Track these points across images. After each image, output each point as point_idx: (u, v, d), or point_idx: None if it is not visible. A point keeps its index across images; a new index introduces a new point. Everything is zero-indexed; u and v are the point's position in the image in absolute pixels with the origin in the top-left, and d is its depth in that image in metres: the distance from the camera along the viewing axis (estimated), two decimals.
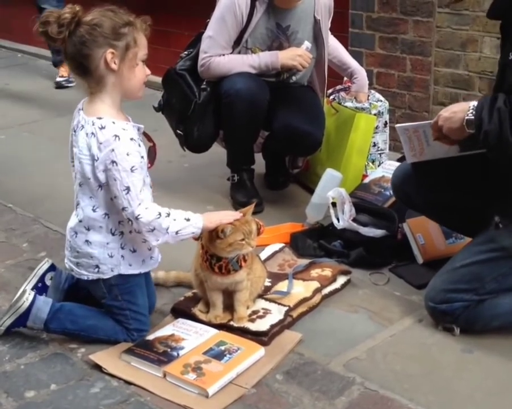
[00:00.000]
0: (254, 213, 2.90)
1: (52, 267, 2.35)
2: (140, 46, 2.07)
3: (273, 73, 3.10)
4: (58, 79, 5.25)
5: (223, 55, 3.05)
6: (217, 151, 3.34)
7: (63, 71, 5.17)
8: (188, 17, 4.68)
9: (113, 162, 2.01)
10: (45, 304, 2.18)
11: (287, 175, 3.45)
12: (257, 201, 3.08)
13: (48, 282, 2.32)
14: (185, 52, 3.22)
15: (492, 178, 2.22)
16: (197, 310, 2.32)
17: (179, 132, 3.21)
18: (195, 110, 3.09)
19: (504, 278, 2.15)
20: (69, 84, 5.14)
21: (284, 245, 2.78)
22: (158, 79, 3.26)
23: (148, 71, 2.12)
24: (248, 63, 3.04)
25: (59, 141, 3.90)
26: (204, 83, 3.11)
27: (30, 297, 2.17)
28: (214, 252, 2.19)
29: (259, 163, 3.38)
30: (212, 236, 2.16)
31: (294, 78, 3.20)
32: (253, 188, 3.21)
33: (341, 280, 2.53)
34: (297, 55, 3.02)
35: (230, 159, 3.24)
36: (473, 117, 2.04)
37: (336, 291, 2.49)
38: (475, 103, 2.07)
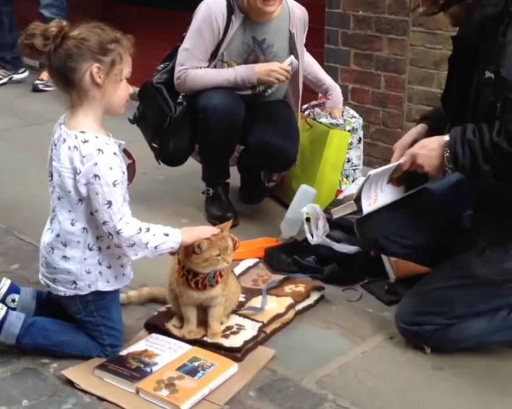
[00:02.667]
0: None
1: (14, 288, 2.30)
2: (125, 63, 2.09)
3: (248, 86, 3.12)
4: (37, 82, 5.26)
5: (200, 68, 3.06)
6: (192, 164, 3.35)
7: (44, 75, 5.18)
8: (165, 29, 4.69)
9: (95, 176, 2.02)
10: (17, 319, 2.16)
11: (262, 189, 3.47)
12: (232, 215, 3.11)
13: (11, 304, 2.25)
14: (162, 65, 3.23)
15: (478, 205, 2.24)
16: (171, 325, 2.32)
17: (154, 145, 3.21)
18: (171, 124, 3.10)
19: (474, 303, 2.18)
20: (46, 89, 5.14)
21: (258, 260, 2.80)
22: (134, 90, 3.26)
23: (131, 90, 2.14)
24: (224, 77, 3.06)
25: (33, 150, 3.91)
26: (180, 97, 3.12)
27: (2, 312, 2.15)
28: (190, 267, 2.20)
29: (234, 177, 3.40)
30: (188, 251, 2.18)
31: (269, 91, 3.22)
32: (228, 202, 3.23)
33: (314, 296, 2.55)
34: (271, 70, 3.04)
35: (205, 173, 3.25)
36: (449, 154, 2.08)
37: (309, 307, 2.51)
38: (447, 138, 2.10)
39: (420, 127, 2.43)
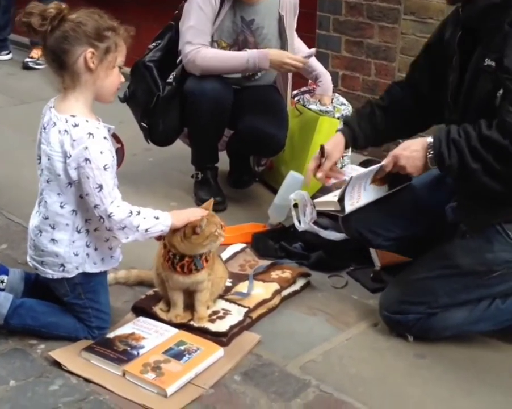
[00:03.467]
0: (217, 211, 2.96)
1: (2, 270, 2.32)
2: (120, 52, 2.10)
3: (257, 71, 3.13)
4: (27, 59, 5.23)
5: (207, 47, 3.04)
6: (182, 146, 3.36)
7: (35, 53, 5.15)
8: (157, 9, 4.67)
9: (86, 159, 2.03)
10: (5, 299, 2.18)
11: (251, 174, 3.48)
12: (219, 199, 3.13)
13: None
14: (154, 43, 3.23)
15: (459, 192, 2.28)
16: (158, 309, 2.35)
17: (143, 124, 3.22)
18: (158, 103, 3.10)
19: (456, 293, 2.22)
20: (36, 66, 5.11)
21: (245, 245, 2.82)
22: (126, 70, 3.26)
23: (123, 79, 2.16)
24: (236, 58, 3.03)
25: (23, 129, 3.90)
26: (171, 77, 3.11)
27: None
28: (185, 250, 2.21)
29: (223, 161, 3.41)
30: (186, 234, 2.19)
31: (259, 74, 3.22)
32: (216, 187, 3.24)
33: (300, 282, 2.58)
34: (283, 63, 3.02)
35: (194, 157, 3.26)
36: (433, 154, 2.10)
37: (295, 293, 2.54)
38: (430, 139, 2.12)
39: (335, 138, 2.49)
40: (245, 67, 3.05)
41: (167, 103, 3.10)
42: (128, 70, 3.16)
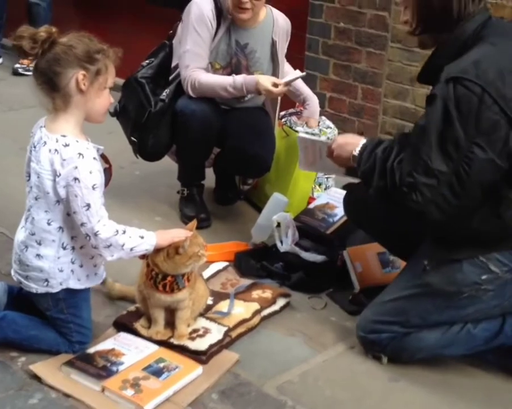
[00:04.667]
0: (201, 228, 3.02)
1: None
2: (110, 74, 2.15)
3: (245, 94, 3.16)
4: (17, 65, 5.23)
5: (204, 70, 3.08)
6: (169, 161, 3.40)
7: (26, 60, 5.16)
8: (149, 25, 4.73)
9: (75, 179, 2.07)
10: None
11: (236, 191, 3.53)
12: (204, 216, 3.18)
13: None
14: (147, 61, 3.27)
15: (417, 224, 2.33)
16: (139, 325, 2.38)
17: (133, 139, 3.25)
18: (149, 119, 3.14)
19: (427, 314, 2.27)
20: (26, 73, 5.12)
21: (228, 263, 2.86)
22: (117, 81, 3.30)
23: (112, 99, 2.21)
24: (226, 81, 3.06)
25: (10, 137, 3.90)
26: (164, 94, 3.15)
27: None
28: (168, 270, 2.25)
29: (210, 177, 3.45)
30: (169, 254, 2.24)
31: (249, 96, 3.27)
32: (202, 204, 3.29)
33: (280, 302, 2.62)
34: (270, 92, 3.03)
35: (181, 174, 3.31)
36: (357, 154, 2.28)
37: (275, 313, 2.58)
38: (364, 140, 2.30)
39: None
40: (233, 95, 3.08)
41: (158, 119, 3.14)
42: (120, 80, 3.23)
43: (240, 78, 3.03)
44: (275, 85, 3.01)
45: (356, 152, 2.29)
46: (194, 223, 2.35)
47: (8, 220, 2.85)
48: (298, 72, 3.17)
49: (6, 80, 5.20)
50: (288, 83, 3.09)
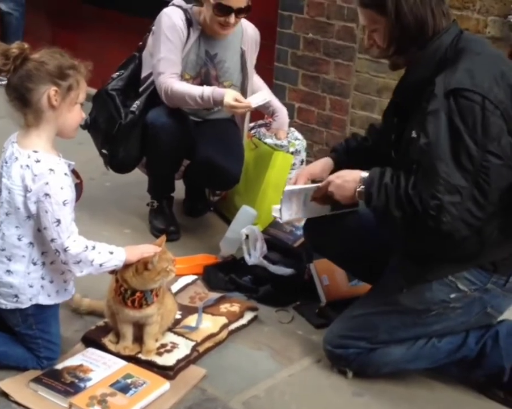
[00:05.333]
0: (171, 241, 3.04)
1: None
2: (81, 89, 2.17)
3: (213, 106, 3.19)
4: None
5: (176, 77, 3.09)
6: (139, 172, 3.41)
7: None
8: (121, 35, 4.74)
9: (46, 194, 2.09)
10: None
11: (205, 203, 3.56)
12: (173, 229, 3.20)
13: None
14: (117, 73, 3.29)
15: (398, 247, 2.36)
16: (108, 340, 2.40)
17: (104, 151, 3.26)
18: (120, 130, 3.15)
19: (395, 331, 2.31)
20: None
21: (196, 277, 2.89)
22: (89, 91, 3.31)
23: (84, 115, 2.23)
24: (197, 94, 3.03)
25: None
26: (134, 106, 3.16)
27: None
28: (136, 285, 2.27)
29: (179, 189, 3.48)
30: (137, 270, 2.26)
31: (218, 107, 3.30)
32: (171, 216, 3.31)
33: (248, 316, 2.66)
34: (233, 108, 2.98)
35: (151, 186, 3.33)
36: (363, 189, 2.22)
37: (243, 326, 2.61)
38: (365, 174, 2.23)
39: (325, 161, 2.61)
40: (201, 106, 3.09)
41: (128, 131, 3.16)
42: (92, 90, 3.23)
43: (208, 91, 3.02)
44: (238, 101, 2.98)
45: (360, 188, 2.23)
46: (163, 239, 2.37)
47: None
48: (265, 94, 3.17)
49: None
50: (256, 105, 3.07)
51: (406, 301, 2.28)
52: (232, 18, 3.05)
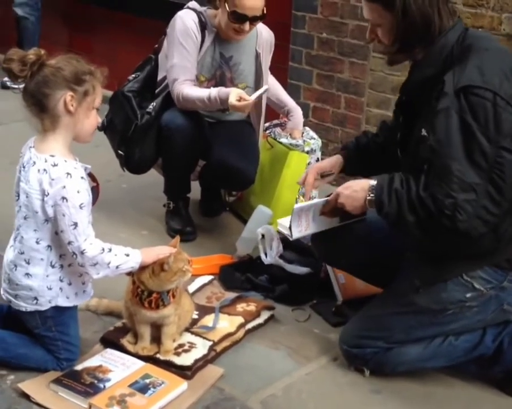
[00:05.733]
0: (187, 241, 3.07)
1: None
2: (97, 94, 2.20)
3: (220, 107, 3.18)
4: (5, 79, 5.24)
5: (189, 83, 3.11)
6: (156, 173, 3.44)
7: None
8: (136, 38, 4.77)
9: (63, 198, 2.12)
10: None
11: (221, 203, 3.58)
12: (189, 229, 3.22)
13: None
14: (133, 75, 3.32)
15: (412, 247, 2.36)
16: (126, 341, 2.42)
17: (120, 152, 3.29)
18: (136, 132, 3.18)
19: (412, 330, 2.31)
20: (14, 86, 5.13)
21: (213, 277, 2.91)
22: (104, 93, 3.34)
23: (99, 119, 2.25)
24: (205, 96, 3.05)
25: None
26: (150, 107, 3.19)
27: None
28: (153, 286, 2.29)
29: (195, 189, 3.50)
30: (154, 271, 2.28)
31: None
32: (187, 217, 3.33)
33: (265, 315, 2.67)
34: (239, 109, 3.02)
35: (167, 187, 3.35)
36: (373, 197, 2.21)
37: (259, 326, 2.63)
38: (374, 182, 2.22)
39: (335, 158, 2.60)
40: (210, 107, 3.09)
41: (144, 132, 3.18)
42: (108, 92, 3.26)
43: (215, 91, 3.04)
44: (240, 99, 2.98)
45: (370, 197, 2.22)
46: (177, 239, 2.39)
47: None
48: (265, 87, 3.19)
49: None
50: (256, 98, 3.09)
51: (422, 302, 2.28)
52: (247, 26, 3.08)
